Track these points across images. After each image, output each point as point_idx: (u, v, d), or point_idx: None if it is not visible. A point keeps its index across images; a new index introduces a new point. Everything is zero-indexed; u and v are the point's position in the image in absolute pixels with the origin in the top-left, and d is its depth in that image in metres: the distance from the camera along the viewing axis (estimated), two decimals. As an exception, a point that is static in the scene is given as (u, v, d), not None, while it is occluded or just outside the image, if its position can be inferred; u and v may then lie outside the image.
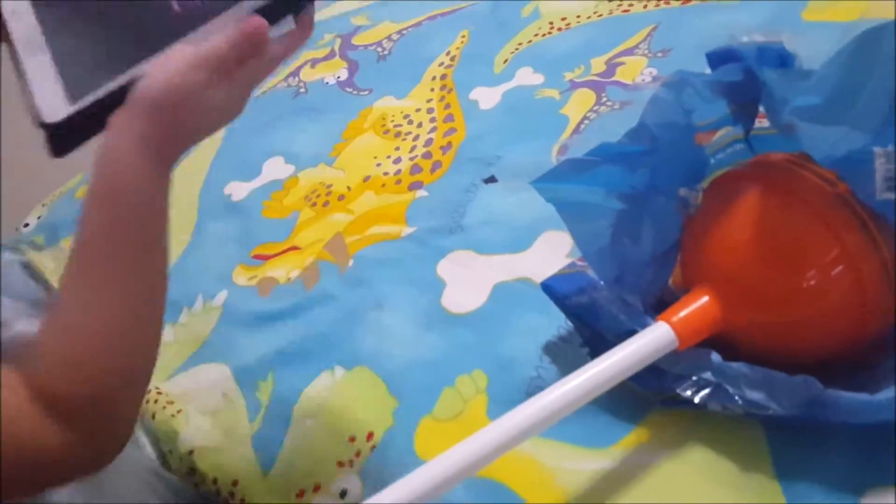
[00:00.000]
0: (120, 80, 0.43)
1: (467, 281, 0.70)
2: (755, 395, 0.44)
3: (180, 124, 0.43)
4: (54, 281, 0.88)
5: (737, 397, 0.45)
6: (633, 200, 0.50)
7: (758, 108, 0.51)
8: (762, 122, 0.53)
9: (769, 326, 0.49)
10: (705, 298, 0.49)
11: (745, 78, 0.46)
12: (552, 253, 0.68)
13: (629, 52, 0.89)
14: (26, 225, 1.08)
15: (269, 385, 0.69)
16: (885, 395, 0.41)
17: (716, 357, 0.48)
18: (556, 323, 0.61)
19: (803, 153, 0.48)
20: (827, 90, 0.40)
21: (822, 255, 0.46)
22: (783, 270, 0.48)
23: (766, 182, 0.49)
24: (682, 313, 0.48)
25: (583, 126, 0.81)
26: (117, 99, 0.43)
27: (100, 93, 0.43)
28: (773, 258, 0.48)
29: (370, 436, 0.60)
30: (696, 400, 0.47)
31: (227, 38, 0.43)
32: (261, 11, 0.44)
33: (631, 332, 0.49)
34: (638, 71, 0.85)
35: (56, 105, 0.43)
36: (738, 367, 0.47)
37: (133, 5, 0.46)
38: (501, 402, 0.58)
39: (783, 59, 0.44)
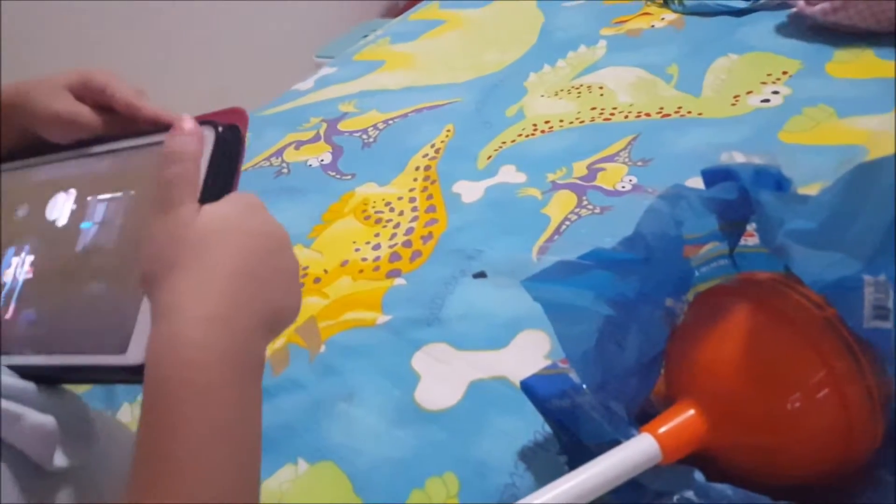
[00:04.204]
0: None
1: (442, 376, 0.68)
2: (739, 519, 0.43)
3: None
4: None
5: (720, 520, 0.43)
6: (621, 307, 0.49)
7: (745, 227, 0.52)
8: (747, 241, 0.54)
9: (752, 446, 0.48)
10: (691, 412, 0.48)
11: (739, 197, 0.47)
12: (530, 353, 0.67)
13: (610, 158, 0.91)
14: None
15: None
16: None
17: (699, 476, 0.47)
18: (532, 427, 0.59)
19: (790, 274, 0.49)
20: (822, 216, 0.40)
21: (808, 378, 0.46)
22: (768, 391, 0.47)
23: (753, 300, 0.49)
24: (668, 426, 0.47)
25: (563, 227, 0.82)
26: None
27: None
28: (758, 378, 0.47)
29: (332, 537, 0.57)
30: (678, 520, 0.45)
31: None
32: None
33: (613, 442, 0.48)
34: (619, 177, 0.87)
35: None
36: (721, 488, 0.45)
37: None
38: (473, 509, 0.55)
39: (779, 183, 0.45)
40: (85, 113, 0.45)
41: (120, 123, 0.46)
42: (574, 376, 0.54)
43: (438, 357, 0.70)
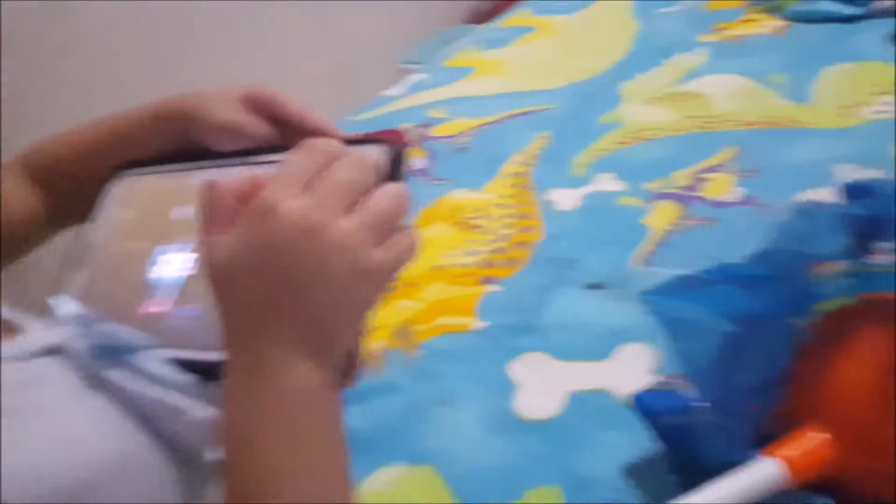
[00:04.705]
0: None
1: (541, 385, 0.67)
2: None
3: None
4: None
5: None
6: (744, 323, 0.48)
7: (876, 246, 0.49)
8: (875, 259, 0.51)
9: (884, 474, 0.45)
10: (820, 436, 0.45)
11: (874, 214, 0.44)
12: (634, 366, 0.65)
13: (714, 168, 0.88)
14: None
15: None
16: None
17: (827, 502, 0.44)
18: (637, 443, 0.57)
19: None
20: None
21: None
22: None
23: (886, 322, 0.46)
24: (797, 450, 0.45)
25: (667, 238, 0.79)
26: None
27: None
28: (892, 403, 0.45)
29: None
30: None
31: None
32: None
33: (732, 463, 0.46)
34: (725, 188, 0.84)
35: None
36: (852, 517, 0.43)
37: None
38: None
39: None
40: (258, 123, 0.48)
41: (286, 136, 0.48)
42: (689, 393, 0.52)
43: (537, 366, 0.69)
